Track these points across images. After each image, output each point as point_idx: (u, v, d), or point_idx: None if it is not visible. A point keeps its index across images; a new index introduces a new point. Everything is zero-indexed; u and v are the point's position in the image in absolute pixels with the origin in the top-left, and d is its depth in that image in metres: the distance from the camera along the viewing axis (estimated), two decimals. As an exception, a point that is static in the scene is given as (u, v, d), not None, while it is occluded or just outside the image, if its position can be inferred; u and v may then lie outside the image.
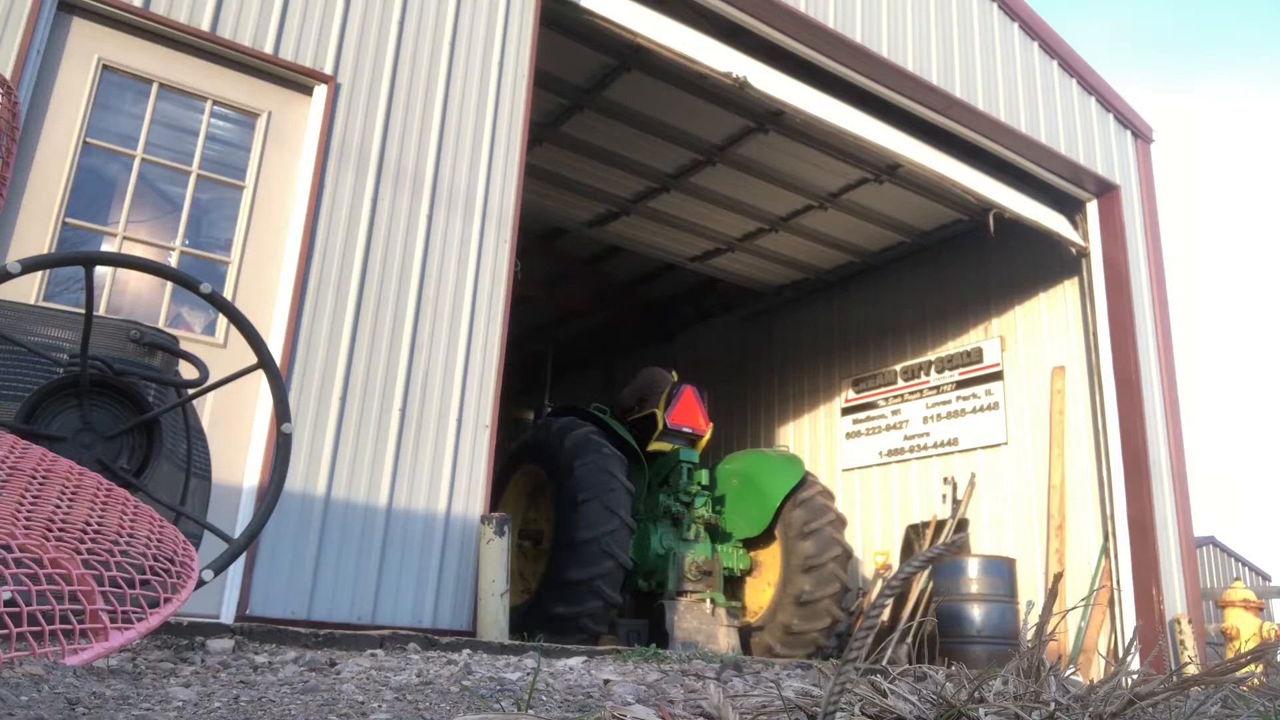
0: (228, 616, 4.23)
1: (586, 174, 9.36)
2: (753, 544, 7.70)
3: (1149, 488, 8.07)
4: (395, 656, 3.22)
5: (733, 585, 7.62)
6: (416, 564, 4.78)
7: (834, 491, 8.65)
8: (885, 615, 8.92)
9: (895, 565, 9.84)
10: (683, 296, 13.11)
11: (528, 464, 7.20)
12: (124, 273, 4.59)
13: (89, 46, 4.60)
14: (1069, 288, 9.18)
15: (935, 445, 9.88)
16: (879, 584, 9.71)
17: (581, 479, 6.35)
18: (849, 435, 10.86)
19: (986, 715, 1.57)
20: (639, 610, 7.39)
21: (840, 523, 7.43)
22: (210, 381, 2.79)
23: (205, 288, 2.51)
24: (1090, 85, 9.08)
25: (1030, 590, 8.44)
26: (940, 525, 9.34)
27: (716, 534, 7.65)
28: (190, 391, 2.85)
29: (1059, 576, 8.21)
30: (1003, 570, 7.91)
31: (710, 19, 6.90)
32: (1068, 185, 8.87)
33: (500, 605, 4.64)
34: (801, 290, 11.87)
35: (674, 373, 8.28)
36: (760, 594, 7.61)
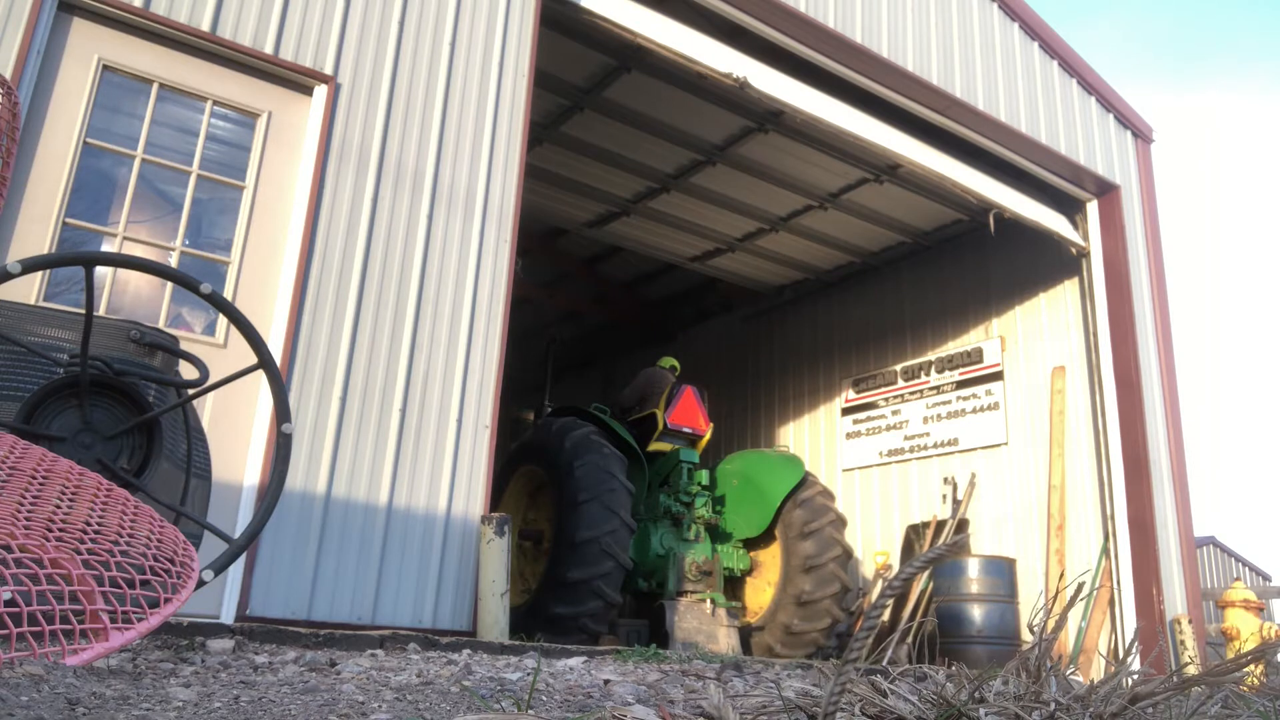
0: (228, 616, 4.23)
1: (586, 174, 9.37)
2: (753, 544, 7.70)
3: (1149, 488, 8.07)
4: (395, 657, 3.22)
5: (733, 585, 7.62)
6: (416, 564, 4.78)
7: (834, 491, 8.65)
8: (886, 615, 8.92)
9: (895, 565, 9.85)
10: (683, 296, 13.12)
11: (528, 464, 7.20)
12: (124, 273, 4.59)
13: (89, 46, 4.59)
14: (1069, 288, 9.18)
15: (935, 445, 9.87)
16: (879, 584, 9.71)
17: (581, 479, 6.34)
18: (849, 435, 10.86)
19: (987, 715, 1.57)
20: (639, 610, 7.39)
21: (840, 523, 7.43)
22: (210, 381, 2.79)
23: (205, 288, 2.51)
24: (1090, 85, 9.07)
25: (1030, 590, 8.43)
26: (940, 525, 9.34)
27: (716, 534, 7.65)
28: (190, 391, 2.85)
29: (1063, 576, 8.22)
30: (1003, 570, 7.91)
31: (710, 19, 6.90)
32: (1068, 185, 8.87)
33: (500, 605, 4.64)
34: (801, 290, 11.87)
35: (675, 365, 8.28)
36: (760, 594, 7.61)
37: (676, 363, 8.40)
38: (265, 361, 2.62)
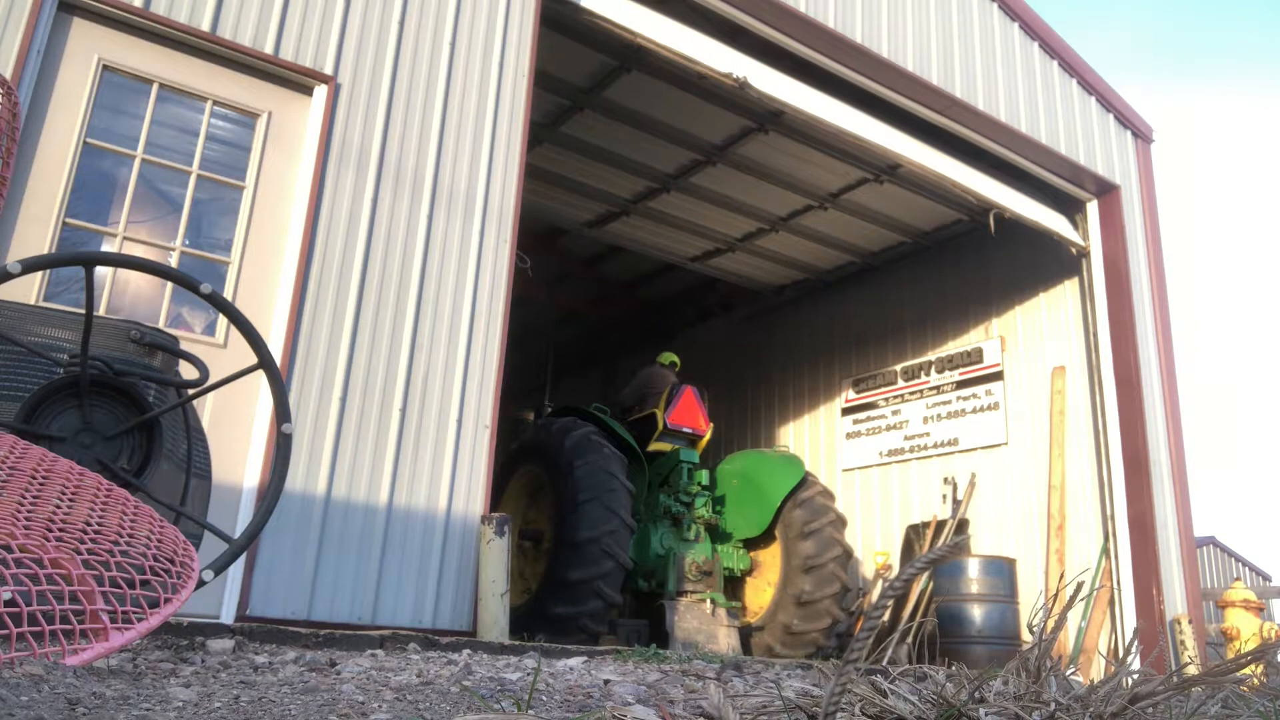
0: (228, 617, 4.23)
1: (586, 174, 9.37)
2: (753, 544, 7.70)
3: (1149, 488, 8.07)
4: (395, 657, 3.22)
5: (733, 585, 7.62)
6: (416, 564, 4.78)
7: (834, 491, 8.65)
8: (886, 616, 8.91)
9: (895, 565, 9.85)
10: (683, 296, 13.12)
11: (528, 464, 7.20)
12: (124, 273, 4.59)
13: (89, 46, 4.59)
14: (1069, 288, 9.18)
15: (935, 445, 9.87)
16: (879, 584, 9.72)
17: (581, 479, 6.35)
18: (849, 435, 10.86)
19: (987, 715, 1.57)
20: (639, 610, 7.39)
21: (840, 523, 7.43)
22: (210, 381, 2.79)
23: (205, 288, 2.51)
24: (1090, 85, 9.08)
25: (1030, 590, 8.43)
26: (940, 525, 9.34)
27: (716, 534, 7.65)
28: (190, 391, 2.85)
29: (1063, 577, 8.22)
30: (1003, 570, 7.91)
31: (710, 19, 6.90)
32: (1068, 185, 8.87)
33: (500, 605, 4.64)
34: (801, 290, 11.87)
35: (675, 361, 8.29)
36: (760, 594, 7.61)
37: (676, 358, 8.40)
38: (265, 361, 2.62)
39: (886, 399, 10.54)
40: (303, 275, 4.79)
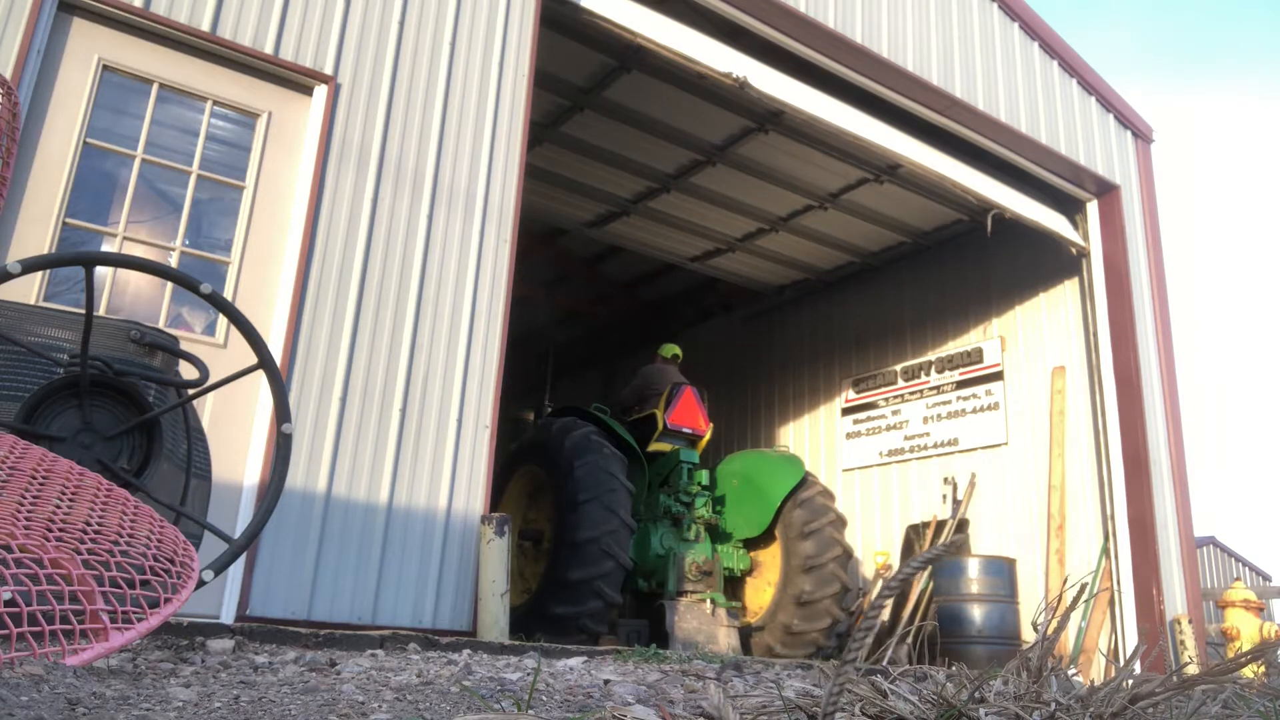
0: (228, 616, 4.23)
1: (586, 174, 9.37)
2: (753, 544, 7.70)
3: (1149, 488, 8.07)
4: (395, 657, 3.22)
5: (733, 585, 7.62)
6: (416, 564, 4.78)
7: (834, 491, 8.65)
8: (886, 616, 8.91)
9: (895, 565, 9.85)
10: (683, 296, 13.12)
11: (528, 464, 7.20)
12: (124, 273, 4.59)
13: (89, 46, 4.59)
14: (1069, 288, 9.18)
15: (935, 445, 9.87)
16: (879, 584, 9.72)
17: (582, 479, 6.35)
18: (849, 435, 10.86)
19: (987, 715, 1.57)
20: (639, 610, 7.40)
21: (840, 523, 7.43)
22: (210, 381, 2.79)
23: (205, 288, 2.51)
24: (1090, 85, 9.08)
25: (1030, 590, 8.44)
26: (940, 525, 9.34)
27: (716, 534, 7.65)
28: (190, 392, 2.85)
29: (1065, 580, 8.22)
30: (1003, 570, 7.91)
31: (710, 19, 6.90)
32: (1068, 185, 8.87)
33: (500, 605, 4.64)
34: (801, 290, 11.87)
35: (678, 353, 8.29)
36: (760, 594, 7.61)
37: (678, 349, 8.41)
38: (265, 361, 2.62)
39: (886, 399, 10.54)
40: (303, 275, 4.79)
